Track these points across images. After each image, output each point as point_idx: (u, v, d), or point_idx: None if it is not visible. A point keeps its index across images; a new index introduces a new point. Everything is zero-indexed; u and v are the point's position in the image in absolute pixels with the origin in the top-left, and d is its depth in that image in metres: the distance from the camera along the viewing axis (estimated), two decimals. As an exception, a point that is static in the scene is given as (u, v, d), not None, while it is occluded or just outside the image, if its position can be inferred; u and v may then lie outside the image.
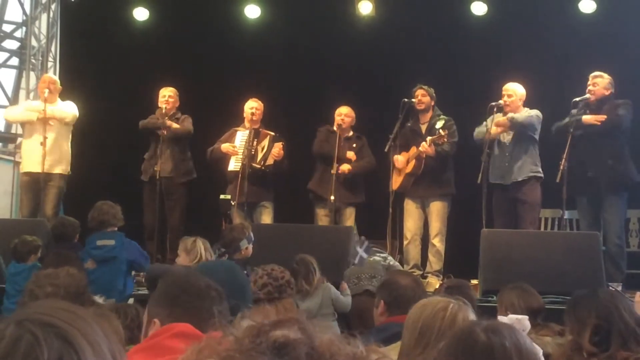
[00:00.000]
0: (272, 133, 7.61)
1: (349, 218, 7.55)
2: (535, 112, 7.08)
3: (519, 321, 2.55)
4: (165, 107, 7.67)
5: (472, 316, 2.46)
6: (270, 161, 7.53)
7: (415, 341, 2.42)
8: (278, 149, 7.54)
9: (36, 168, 7.41)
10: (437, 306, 2.44)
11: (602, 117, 6.70)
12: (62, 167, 7.58)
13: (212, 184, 7.87)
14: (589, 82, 6.86)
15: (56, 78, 8.13)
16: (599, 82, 6.81)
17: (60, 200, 7.60)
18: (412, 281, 3.60)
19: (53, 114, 7.44)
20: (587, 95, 6.82)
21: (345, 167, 7.47)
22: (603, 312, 2.98)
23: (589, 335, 2.92)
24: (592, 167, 6.75)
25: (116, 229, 5.90)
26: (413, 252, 7.34)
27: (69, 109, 7.64)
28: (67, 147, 7.69)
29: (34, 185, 7.48)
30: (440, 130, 7.09)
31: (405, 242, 7.36)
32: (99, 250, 5.71)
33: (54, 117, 7.45)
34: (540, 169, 7.06)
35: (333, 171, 7.40)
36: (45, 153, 7.31)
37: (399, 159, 7.36)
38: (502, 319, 2.57)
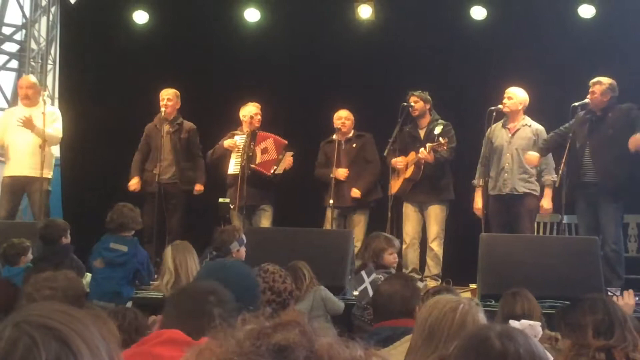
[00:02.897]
0: (276, 137, 7.60)
1: (358, 224, 7.53)
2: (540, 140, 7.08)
3: (532, 327, 2.54)
4: (165, 111, 7.65)
5: (481, 317, 2.45)
6: (280, 170, 7.54)
7: (423, 341, 2.40)
8: (290, 158, 7.56)
9: (19, 172, 7.38)
10: (446, 306, 2.43)
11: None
12: (46, 171, 7.55)
13: (212, 187, 7.86)
14: (589, 89, 6.85)
15: (34, 80, 8.05)
16: (597, 90, 6.77)
17: (47, 202, 7.59)
18: (401, 287, 3.54)
19: (42, 135, 7.37)
20: (587, 101, 6.80)
21: (341, 175, 7.47)
22: (599, 307, 3.01)
23: (592, 334, 2.94)
24: (592, 172, 6.74)
25: (133, 232, 5.90)
26: (411, 256, 7.35)
27: (56, 133, 7.58)
28: (50, 150, 7.68)
29: (16, 188, 7.47)
30: (441, 138, 7.08)
31: (403, 246, 7.35)
32: (110, 253, 5.70)
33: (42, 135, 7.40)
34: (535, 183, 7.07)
35: (332, 175, 7.41)
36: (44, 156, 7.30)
37: (399, 161, 7.36)
38: (514, 324, 2.56)
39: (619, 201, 6.82)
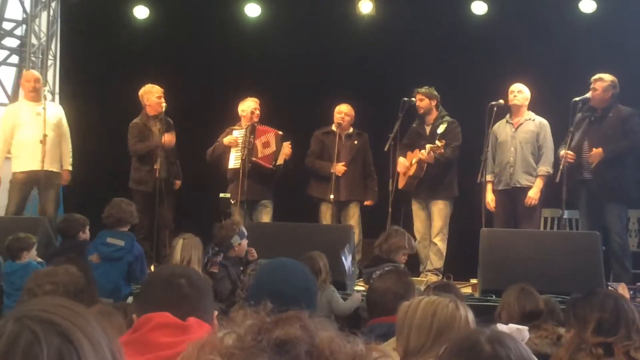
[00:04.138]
0: (278, 131, 7.61)
1: (353, 217, 7.55)
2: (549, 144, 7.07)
3: (519, 331, 2.56)
4: (164, 106, 7.64)
5: (450, 307, 2.51)
6: (280, 161, 7.55)
7: (432, 341, 2.41)
8: (288, 148, 7.56)
9: (32, 166, 7.38)
10: (449, 306, 2.45)
11: (599, 153, 6.64)
12: (58, 165, 7.60)
13: (213, 183, 7.87)
14: (590, 86, 6.84)
15: (39, 75, 8.07)
16: (598, 86, 6.76)
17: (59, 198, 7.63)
18: (393, 283, 3.52)
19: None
20: (588, 95, 6.80)
21: (339, 171, 7.48)
22: (609, 305, 3.01)
23: (592, 330, 2.95)
24: (591, 170, 6.74)
25: (129, 227, 5.92)
26: (424, 252, 7.38)
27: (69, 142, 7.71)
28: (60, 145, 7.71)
29: (28, 183, 7.48)
30: (437, 142, 7.08)
31: (416, 242, 7.42)
32: (107, 248, 5.71)
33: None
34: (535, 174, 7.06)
35: (332, 170, 7.41)
36: (45, 151, 7.30)
37: (401, 162, 7.37)
38: (502, 327, 2.57)
39: (619, 197, 6.82)
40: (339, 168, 7.49)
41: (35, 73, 8.07)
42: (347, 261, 5.95)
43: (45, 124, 7.33)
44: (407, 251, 5.73)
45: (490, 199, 7.16)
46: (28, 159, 7.43)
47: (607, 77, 6.76)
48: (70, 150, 7.70)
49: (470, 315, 2.51)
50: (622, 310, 2.99)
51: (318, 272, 5.17)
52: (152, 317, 2.06)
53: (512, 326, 2.65)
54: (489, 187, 7.19)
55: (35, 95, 7.57)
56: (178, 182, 7.87)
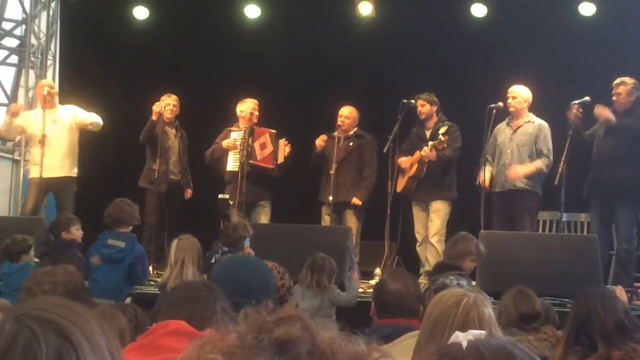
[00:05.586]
0: (271, 130, 7.62)
1: (351, 219, 7.54)
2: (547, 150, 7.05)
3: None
4: (166, 115, 7.68)
5: (487, 311, 2.36)
6: (281, 159, 7.56)
7: (427, 339, 2.36)
8: (285, 144, 7.56)
9: (49, 174, 7.34)
10: (449, 301, 2.36)
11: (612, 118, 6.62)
12: (75, 170, 7.62)
13: (211, 184, 7.87)
14: (613, 91, 6.82)
15: (52, 82, 8.09)
16: (622, 90, 6.76)
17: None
18: (402, 285, 3.47)
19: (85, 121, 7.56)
20: (587, 99, 6.80)
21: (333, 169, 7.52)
22: (582, 316, 2.98)
23: (567, 336, 2.93)
24: (611, 172, 6.72)
25: (131, 228, 5.91)
26: (424, 254, 7.38)
27: (95, 117, 7.69)
28: (77, 149, 7.74)
29: (45, 188, 7.47)
30: (441, 136, 7.09)
31: (417, 245, 7.46)
32: (108, 249, 5.71)
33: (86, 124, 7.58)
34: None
35: (332, 171, 7.41)
36: (44, 152, 7.29)
37: (404, 160, 7.38)
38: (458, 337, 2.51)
39: (636, 201, 6.79)
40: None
41: (49, 81, 8.12)
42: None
43: (44, 125, 7.31)
44: (475, 257, 5.42)
45: (487, 177, 7.11)
46: (46, 164, 7.33)
47: (630, 80, 6.78)
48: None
49: (477, 311, 2.39)
50: (593, 323, 2.93)
51: (333, 271, 5.27)
52: (168, 323, 2.07)
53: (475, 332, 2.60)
54: (488, 167, 7.15)
55: (51, 102, 7.53)
56: (189, 191, 7.99)
